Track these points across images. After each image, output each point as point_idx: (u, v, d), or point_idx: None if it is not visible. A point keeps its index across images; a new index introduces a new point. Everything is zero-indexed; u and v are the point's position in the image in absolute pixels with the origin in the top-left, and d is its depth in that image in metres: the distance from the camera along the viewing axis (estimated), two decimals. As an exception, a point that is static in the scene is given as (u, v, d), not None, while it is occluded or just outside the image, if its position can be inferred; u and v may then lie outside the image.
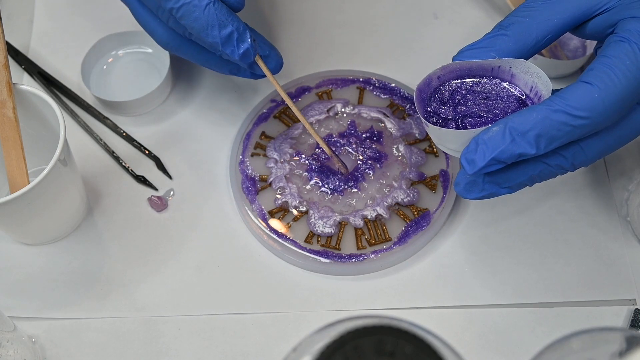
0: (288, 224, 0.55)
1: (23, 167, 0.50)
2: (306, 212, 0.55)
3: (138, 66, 0.64)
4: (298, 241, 0.54)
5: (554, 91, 0.42)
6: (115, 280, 0.54)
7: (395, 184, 0.56)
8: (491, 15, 0.68)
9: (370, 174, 0.57)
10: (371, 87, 0.61)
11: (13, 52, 0.65)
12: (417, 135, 0.59)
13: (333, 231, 0.54)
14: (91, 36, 0.65)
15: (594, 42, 0.63)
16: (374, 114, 0.60)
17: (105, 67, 0.64)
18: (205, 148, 0.60)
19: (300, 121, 0.55)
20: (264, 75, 0.54)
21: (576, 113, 0.40)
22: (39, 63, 0.65)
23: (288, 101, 0.53)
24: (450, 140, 0.43)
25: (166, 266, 0.54)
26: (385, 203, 0.55)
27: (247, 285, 0.54)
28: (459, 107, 0.45)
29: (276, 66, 0.53)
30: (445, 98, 0.45)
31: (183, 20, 0.48)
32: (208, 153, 0.60)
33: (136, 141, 0.60)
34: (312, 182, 0.56)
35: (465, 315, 0.52)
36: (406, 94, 0.61)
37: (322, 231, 0.54)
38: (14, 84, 0.51)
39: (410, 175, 0.56)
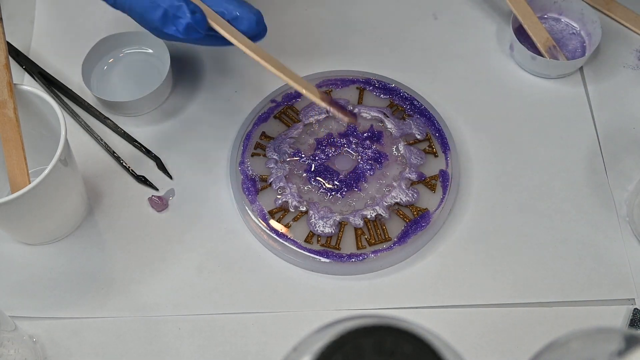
0: (288, 224, 0.55)
1: (24, 167, 0.50)
2: (306, 212, 0.55)
3: (138, 66, 0.64)
4: (298, 241, 0.54)
5: None
6: (115, 280, 0.54)
7: (395, 184, 0.56)
8: (491, 15, 0.68)
9: (370, 174, 0.57)
10: (371, 87, 0.62)
11: (14, 53, 0.65)
12: (417, 135, 0.59)
13: (333, 231, 0.54)
14: (92, 36, 0.65)
15: (593, 43, 0.63)
16: (374, 114, 0.60)
17: (105, 67, 0.64)
18: (205, 148, 0.60)
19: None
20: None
21: None
22: (40, 63, 0.65)
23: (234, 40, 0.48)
24: None
25: (166, 266, 0.55)
26: (385, 203, 0.55)
27: (247, 285, 0.54)
28: None
29: (250, 27, 0.48)
30: None
31: (130, 11, 0.47)
32: (208, 153, 0.60)
33: (137, 141, 0.60)
34: (312, 182, 0.57)
35: (465, 315, 0.52)
36: (406, 94, 0.61)
37: (322, 231, 0.54)
38: (14, 84, 0.51)
39: (410, 175, 0.57)
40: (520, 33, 0.64)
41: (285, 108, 0.61)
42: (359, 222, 0.55)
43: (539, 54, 0.63)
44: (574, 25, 0.66)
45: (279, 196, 0.56)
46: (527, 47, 0.63)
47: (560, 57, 0.63)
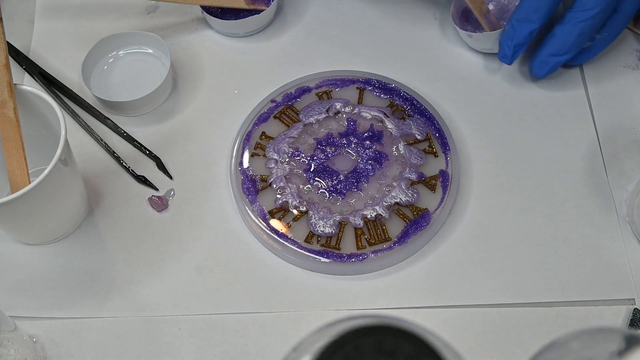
0: (288, 223, 0.55)
1: (24, 167, 0.50)
2: (306, 212, 0.55)
3: (138, 66, 0.64)
4: (298, 241, 0.54)
5: None
6: (115, 280, 0.54)
7: (395, 184, 0.56)
8: (491, 15, 0.68)
9: (370, 174, 0.57)
10: (371, 87, 0.62)
11: (14, 53, 0.65)
12: (417, 135, 0.59)
13: (333, 231, 0.54)
14: (92, 36, 0.65)
15: None
16: (374, 114, 0.60)
17: (105, 67, 0.64)
18: (205, 148, 0.60)
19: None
20: None
21: None
22: (40, 63, 0.65)
23: None
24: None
25: (166, 266, 0.55)
26: (385, 203, 0.55)
27: (247, 285, 0.54)
28: None
29: None
30: None
31: None
32: (208, 153, 0.60)
33: (137, 141, 0.60)
34: (312, 182, 0.57)
35: (465, 315, 0.52)
36: (406, 94, 0.61)
37: (323, 231, 0.54)
38: (14, 84, 0.51)
39: (410, 175, 0.57)
40: (465, 20, 0.65)
41: (285, 108, 0.61)
42: (359, 222, 0.55)
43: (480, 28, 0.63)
44: None
45: (279, 196, 0.56)
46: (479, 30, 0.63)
47: (495, 22, 0.63)
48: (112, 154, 0.60)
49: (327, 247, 0.54)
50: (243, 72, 0.65)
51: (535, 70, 0.61)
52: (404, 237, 0.54)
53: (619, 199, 0.57)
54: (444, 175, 0.57)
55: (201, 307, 0.53)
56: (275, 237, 0.54)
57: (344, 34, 0.67)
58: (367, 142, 0.58)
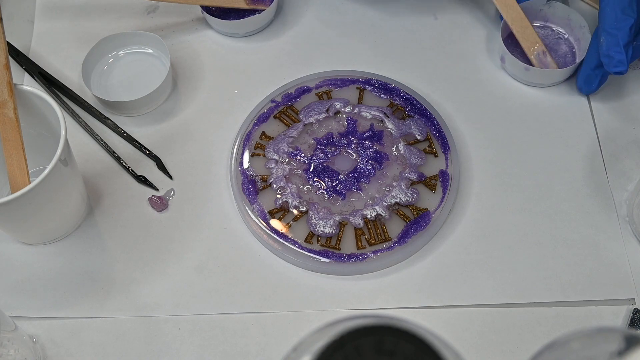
0: (288, 223, 0.55)
1: (24, 167, 0.50)
2: (306, 212, 0.55)
3: (138, 66, 0.64)
4: (298, 241, 0.54)
5: None
6: (115, 280, 0.54)
7: (395, 184, 0.56)
8: (492, 15, 0.68)
9: (370, 174, 0.57)
10: (371, 87, 0.62)
11: (14, 53, 0.65)
12: (417, 135, 0.59)
13: (333, 231, 0.54)
14: (92, 36, 0.65)
15: (583, 47, 0.62)
16: (374, 114, 0.60)
17: (105, 67, 0.64)
18: (205, 148, 0.60)
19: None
20: None
21: None
22: (40, 63, 0.65)
23: None
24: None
25: (166, 266, 0.55)
26: (384, 203, 0.55)
27: (247, 285, 0.54)
28: None
29: None
30: None
31: None
32: (208, 153, 0.60)
33: (137, 141, 0.60)
34: (312, 182, 0.57)
35: (465, 315, 0.52)
36: (406, 94, 0.61)
37: (323, 231, 0.54)
38: (14, 84, 0.51)
39: (410, 175, 0.57)
40: (509, 42, 0.63)
41: (285, 108, 0.61)
42: (359, 222, 0.55)
43: (530, 63, 0.62)
44: (561, 31, 0.65)
45: (278, 196, 0.56)
46: (517, 56, 0.62)
47: (550, 63, 0.62)
48: (112, 154, 0.60)
49: (327, 247, 0.54)
50: (243, 72, 0.65)
51: (584, 87, 0.61)
52: (404, 237, 0.54)
53: (619, 199, 0.57)
54: (444, 175, 0.57)
55: (201, 307, 0.53)
56: (275, 237, 0.54)
57: (344, 34, 0.67)
58: (367, 142, 0.58)
